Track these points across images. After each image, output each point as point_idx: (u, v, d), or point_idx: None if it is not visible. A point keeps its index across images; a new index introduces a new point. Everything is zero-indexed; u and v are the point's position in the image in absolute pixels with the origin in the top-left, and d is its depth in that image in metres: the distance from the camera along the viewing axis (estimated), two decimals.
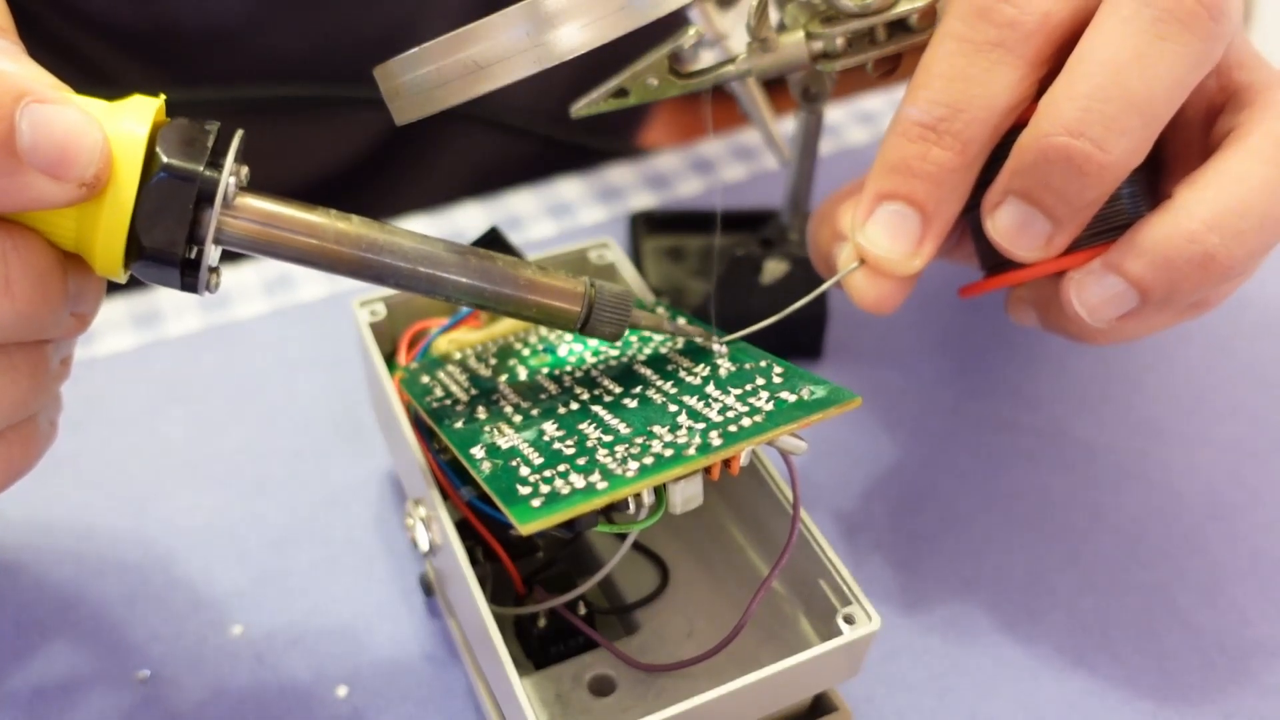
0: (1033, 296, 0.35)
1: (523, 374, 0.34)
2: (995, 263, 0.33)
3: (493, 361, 0.35)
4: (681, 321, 0.34)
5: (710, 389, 0.31)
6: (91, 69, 0.58)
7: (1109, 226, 0.31)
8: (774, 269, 0.44)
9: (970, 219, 0.33)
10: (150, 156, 0.26)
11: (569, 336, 0.35)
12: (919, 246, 0.31)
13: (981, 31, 0.30)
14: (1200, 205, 0.30)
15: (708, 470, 0.29)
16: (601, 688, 0.32)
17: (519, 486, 0.28)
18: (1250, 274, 0.32)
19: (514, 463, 0.29)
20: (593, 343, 0.35)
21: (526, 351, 0.35)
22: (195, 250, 0.27)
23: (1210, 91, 0.33)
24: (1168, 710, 0.36)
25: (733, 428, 0.29)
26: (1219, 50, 0.30)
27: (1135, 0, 0.29)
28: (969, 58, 0.30)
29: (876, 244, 0.31)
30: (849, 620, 0.30)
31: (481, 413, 0.32)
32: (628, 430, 0.30)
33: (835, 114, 0.59)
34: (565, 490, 0.28)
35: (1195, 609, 0.38)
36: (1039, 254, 0.31)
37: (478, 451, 0.30)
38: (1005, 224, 0.31)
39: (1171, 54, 0.29)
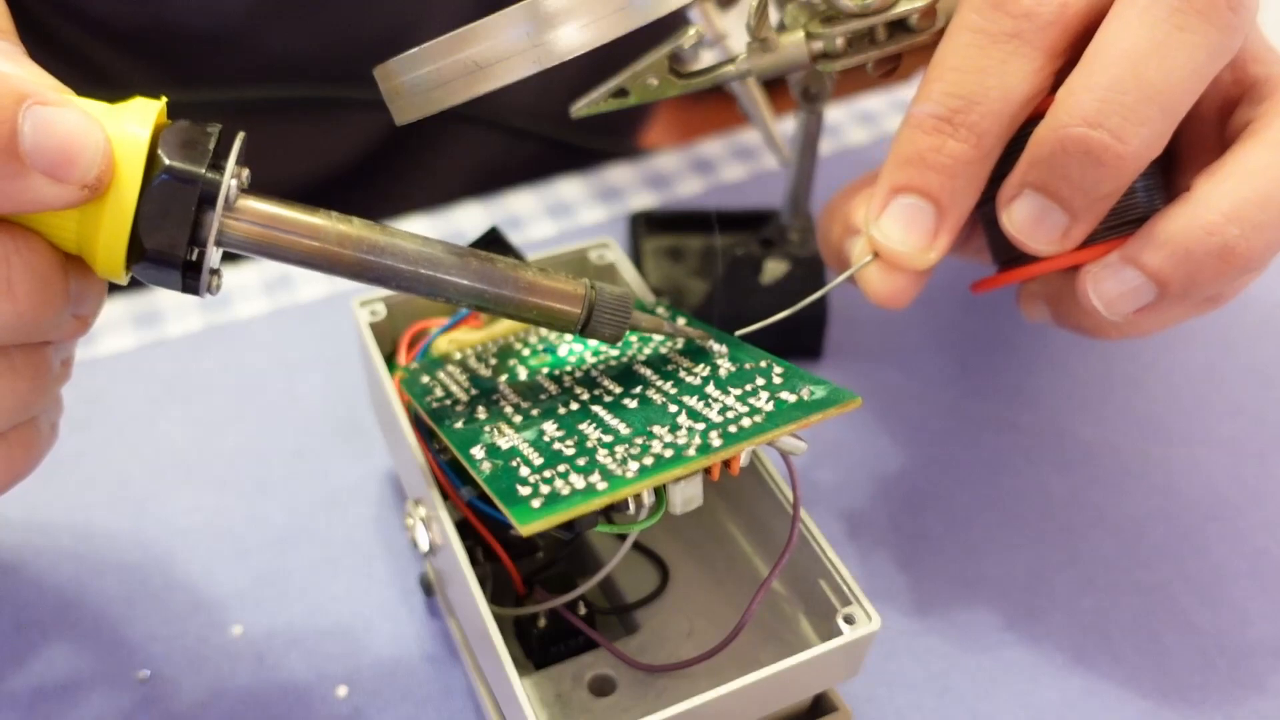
0: (1045, 291, 0.35)
1: (523, 374, 0.34)
2: (1009, 257, 0.33)
3: (493, 361, 0.35)
4: (681, 323, 0.34)
5: (710, 389, 0.30)
6: (91, 70, 0.58)
7: (1124, 220, 0.31)
8: (774, 269, 0.44)
9: (983, 213, 0.33)
10: (152, 159, 0.26)
11: (569, 337, 0.35)
12: (934, 240, 0.31)
13: (997, 22, 0.30)
14: (1219, 197, 0.30)
15: (708, 470, 0.29)
16: (601, 688, 0.32)
17: (519, 487, 0.28)
18: (1266, 266, 0.32)
19: (514, 463, 0.29)
20: (593, 343, 0.35)
21: (526, 351, 0.35)
22: (197, 252, 0.27)
23: (1225, 85, 0.32)
24: (1168, 710, 0.36)
25: (733, 428, 0.29)
26: (1237, 41, 0.30)
27: None
28: (984, 49, 0.30)
29: (891, 237, 0.31)
30: (849, 620, 0.30)
31: (481, 413, 0.32)
32: (628, 430, 0.30)
33: (835, 114, 0.59)
34: (565, 491, 0.28)
35: (1195, 609, 0.38)
36: (1055, 247, 0.31)
37: (478, 451, 0.30)
38: (1021, 217, 0.31)
39: (1190, 44, 0.29)
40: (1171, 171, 0.34)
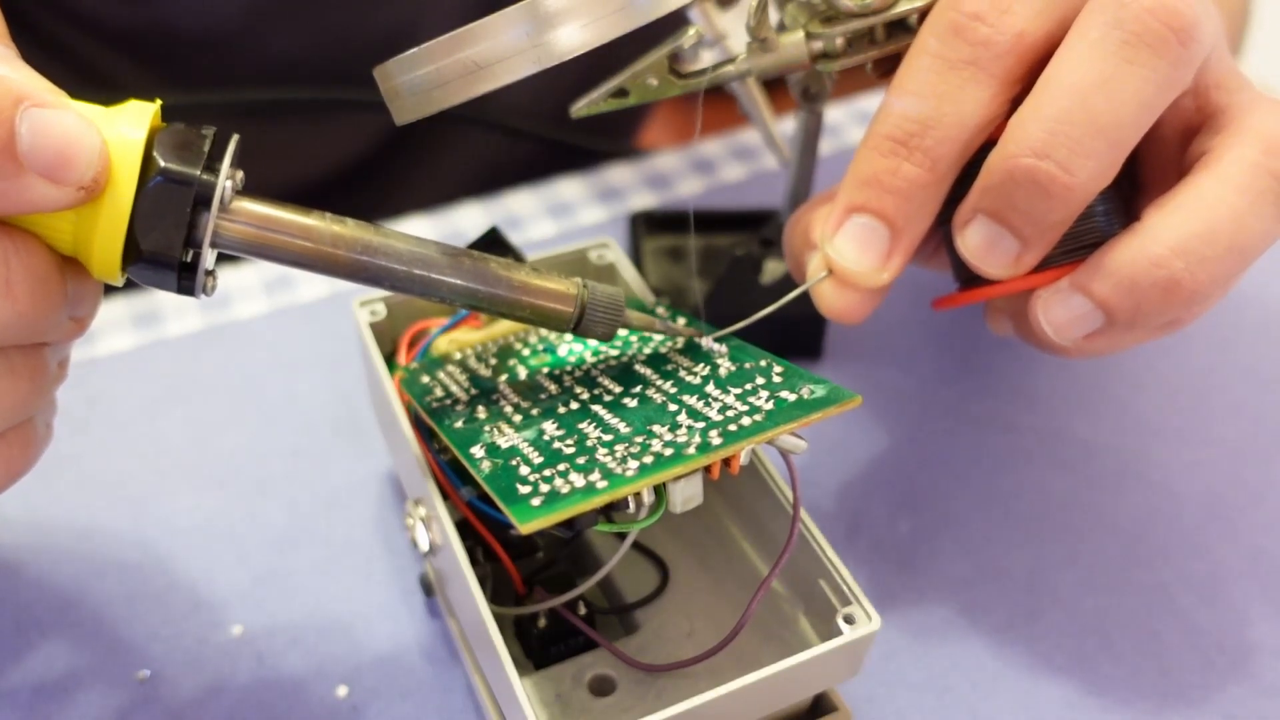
0: (1009, 307, 0.35)
1: (523, 374, 0.34)
2: (968, 277, 0.33)
3: (493, 361, 0.35)
4: (681, 322, 0.34)
5: (710, 388, 0.31)
6: (88, 72, 0.58)
7: (1082, 244, 0.31)
8: (774, 269, 0.44)
9: (945, 232, 0.33)
10: (147, 161, 0.26)
11: (568, 336, 0.35)
12: (887, 260, 0.31)
13: (955, 49, 0.30)
14: (1167, 230, 0.30)
15: (708, 469, 0.29)
16: (601, 688, 0.32)
17: (519, 486, 0.28)
18: (1219, 297, 0.32)
19: (514, 462, 0.29)
20: (592, 342, 0.35)
21: (526, 351, 0.35)
22: (192, 254, 0.27)
23: (1187, 111, 0.33)
24: (1168, 710, 0.36)
25: (733, 427, 0.29)
26: (1188, 74, 0.30)
27: (1104, 23, 0.29)
28: (941, 74, 0.30)
29: (844, 256, 0.32)
30: (849, 620, 0.30)
31: (481, 412, 0.32)
32: (627, 429, 0.30)
33: (835, 114, 0.59)
34: (565, 489, 0.28)
35: (1195, 609, 0.38)
36: (1007, 272, 0.31)
37: (478, 451, 0.30)
38: (974, 242, 0.31)
39: (1139, 78, 0.29)
40: (1136, 195, 0.34)
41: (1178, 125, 0.33)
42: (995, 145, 0.30)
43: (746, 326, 0.33)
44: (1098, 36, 0.29)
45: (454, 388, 0.34)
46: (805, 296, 0.33)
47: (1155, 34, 0.29)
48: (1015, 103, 0.30)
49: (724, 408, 0.29)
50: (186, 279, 0.27)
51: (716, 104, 0.35)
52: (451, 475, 0.32)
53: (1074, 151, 0.29)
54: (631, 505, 0.28)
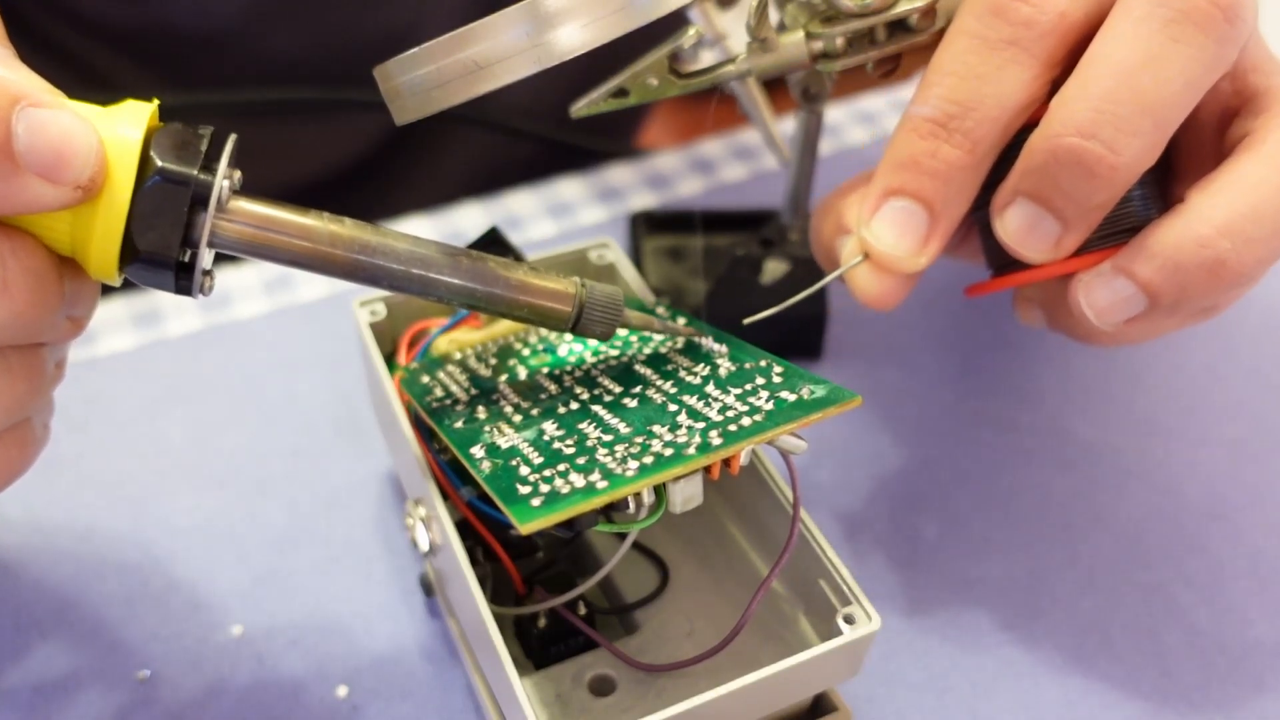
0: (1040, 296, 0.35)
1: (523, 374, 0.34)
2: (1003, 263, 0.33)
3: (493, 361, 0.35)
4: (681, 322, 0.34)
5: (710, 388, 0.31)
6: (88, 72, 0.58)
7: (1119, 229, 0.31)
8: (774, 269, 0.44)
9: (978, 218, 0.33)
10: (144, 160, 0.26)
11: (568, 336, 0.35)
12: (925, 244, 0.31)
13: (996, 29, 0.30)
14: (1213, 210, 0.30)
15: (708, 470, 0.29)
16: (601, 688, 0.32)
17: (519, 486, 0.28)
18: (1259, 280, 0.32)
19: (514, 462, 0.29)
20: (593, 342, 0.35)
21: (526, 351, 0.35)
22: (189, 253, 0.27)
23: (1224, 95, 0.32)
24: (1168, 710, 0.36)
25: (733, 427, 0.29)
26: (1233, 53, 0.30)
27: (1149, 1, 0.29)
28: (982, 55, 0.30)
29: (882, 240, 0.31)
30: (849, 620, 0.30)
31: (481, 412, 0.32)
32: (628, 430, 0.30)
33: (835, 114, 0.59)
34: (565, 489, 0.28)
35: (1195, 609, 0.38)
36: (1048, 255, 0.31)
37: (478, 451, 0.30)
38: (1014, 224, 0.31)
39: (1184, 56, 0.29)
40: (1169, 180, 0.34)
41: (1215, 108, 0.33)
42: (1033, 128, 0.30)
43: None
44: (1142, 15, 0.29)
45: (454, 388, 0.34)
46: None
47: (1202, 12, 0.29)
48: (1055, 85, 0.30)
49: (724, 408, 0.29)
50: (184, 279, 0.27)
51: (716, 104, 0.35)
52: (451, 475, 0.32)
53: (1120, 130, 0.28)
54: (631, 505, 0.28)
